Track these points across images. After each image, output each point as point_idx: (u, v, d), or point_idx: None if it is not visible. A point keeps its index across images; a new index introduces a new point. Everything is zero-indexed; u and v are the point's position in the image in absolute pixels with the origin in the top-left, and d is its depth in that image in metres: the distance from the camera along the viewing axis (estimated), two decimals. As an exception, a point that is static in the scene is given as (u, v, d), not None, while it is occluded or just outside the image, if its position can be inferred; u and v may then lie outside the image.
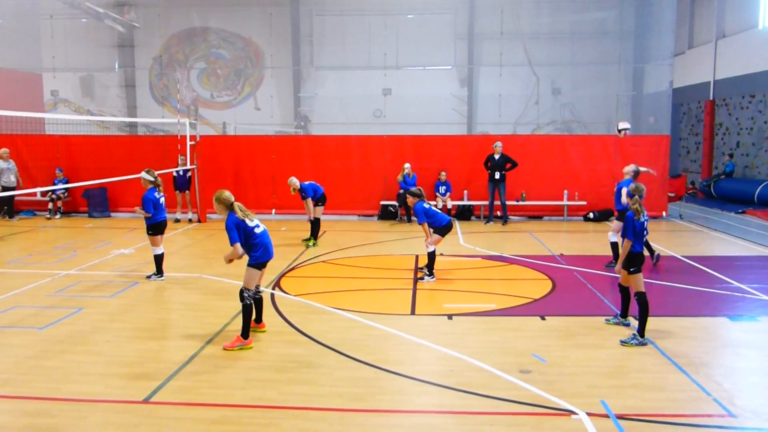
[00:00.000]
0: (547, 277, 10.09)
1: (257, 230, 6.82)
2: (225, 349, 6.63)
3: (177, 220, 16.01)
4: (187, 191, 16.30)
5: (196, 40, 27.25)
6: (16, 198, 16.69)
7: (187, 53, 27.46)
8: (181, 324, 7.78)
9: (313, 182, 13.16)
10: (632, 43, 24.24)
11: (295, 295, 8.92)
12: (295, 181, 12.79)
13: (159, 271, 9.88)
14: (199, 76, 27.64)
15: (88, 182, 14.99)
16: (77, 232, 14.95)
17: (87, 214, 17.37)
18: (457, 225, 15.73)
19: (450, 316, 7.92)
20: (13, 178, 16.10)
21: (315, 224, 13.01)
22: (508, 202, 16.03)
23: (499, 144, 15.77)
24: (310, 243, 12.92)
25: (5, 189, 15.59)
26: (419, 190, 10.08)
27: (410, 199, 10.03)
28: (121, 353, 6.66)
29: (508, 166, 15.72)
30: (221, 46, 27.29)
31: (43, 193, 17.00)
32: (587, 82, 23.95)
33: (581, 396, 5.52)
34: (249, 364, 6.29)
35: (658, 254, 10.89)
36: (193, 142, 16.14)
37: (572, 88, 24.16)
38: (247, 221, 6.74)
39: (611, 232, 10.59)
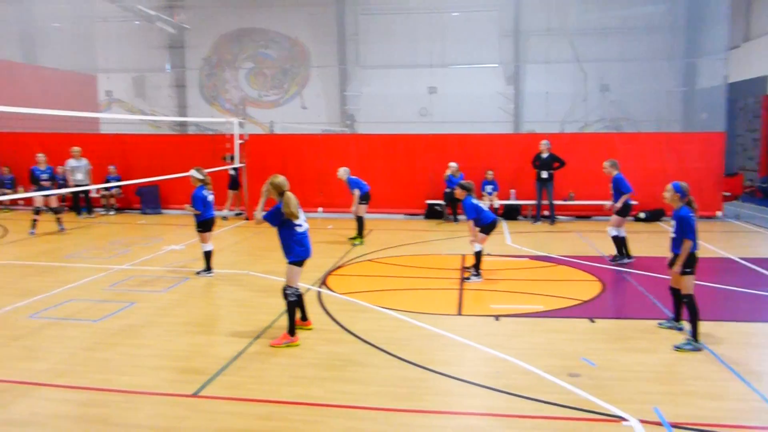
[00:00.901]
0: (596, 279, 9.89)
1: (299, 229, 6.80)
2: (272, 346, 6.69)
3: (225, 218, 16.25)
4: (236, 189, 16.56)
5: (245, 40, 27.62)
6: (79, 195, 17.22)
7: (235, 53, 27.87)
8: (229, 320, 7.89)
9: (359, 179, 13.18)
10: (684, 38, 23.55)
11: (341, 294, 8.95)
12: (342, 172, 12.87)
13: (208, 268, 10.04)
14: (247, 76, 28.02)
15: (140, 180, 15.35)
16: (130, 228, 15.32)
17: (140, 211, 17.80)
18: (504, 224, 15.57)
19: (497, 317, 7.83)
20: (80, 176, 16.47)
21: (360, 222, 13.04)
22: (555, 202, 15.78)
23: (546, 142, 15.54)
24: (356, 242, 12.96)
25: (76, 186, 16.03)
26: (470, 183, 9.85)
27: (459, 192, 9.79)
28: (171, 347, 6.79)
29: (556, 165, 15.47)
30: (268, 46, 27.62)
31: (98, 191, 17.48)
32: (637, 78, 23.36)
33: (633, 402, 5.38)
34: (295, 361, 6.34)
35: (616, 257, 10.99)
36: (241, 141, 16.37)
37: (621, 85, 23.61)
38: (293, 219, 6.73)
39: (610, 226, 11.01)
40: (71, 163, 16.43)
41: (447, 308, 8.28)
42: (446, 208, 16.50)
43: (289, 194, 6.73)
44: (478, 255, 9.76)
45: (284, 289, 6.83)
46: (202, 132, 25.26)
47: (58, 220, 14.48)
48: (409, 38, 25.01)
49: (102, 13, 26.45)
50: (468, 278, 9.71)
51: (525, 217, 16.64)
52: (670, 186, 6.92)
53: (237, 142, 16.18)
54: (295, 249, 6.79)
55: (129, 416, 5.11)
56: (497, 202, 16.28)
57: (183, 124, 26.87)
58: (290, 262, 6.83)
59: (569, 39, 23.69)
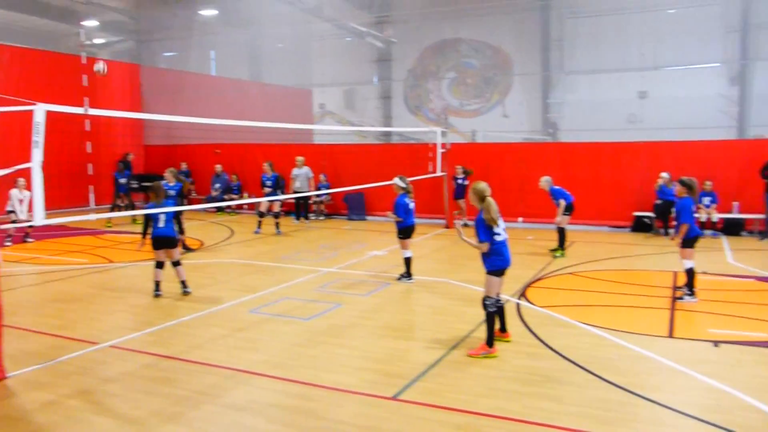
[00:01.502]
0: (840, 306, 8.60)
1: (497, 238, 6.72)
2: (469, 356, 6.69)
3: (466, 224, 16.37)
4: (462, 199, 16.68)
5: (448, 51, 28.13)
6: (287, 202, 18.69)
7: (438, 64, 28.48)
8: (427, 327, 8.03)
9: (562, 189, 12.77)
10: None
11: (541, 307, 8.72)
12: (544, 182, 12.55)
13: (408, 274, 10.33)
14: (450, 86, 28.49)
15: (347, 188, 16.26)
16: (337, 233, 16.28)
17: (346, 217, 18.85)
18: (725, 241, 14.17)
19: (716, 343, 7.10)
20: (298, 184, 17.75)
21: (561, 234, 12.62)
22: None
23: (779, 150, 13.87)
24: (557, 254, 12.55)
25: (296, 193, 17.43)
26: (692, 181, 8.85)
27: (679, 189, 8.86)
28: (373, 349, 7.07)
29: (791, 174, 13.74)
30: (471, 55, 27.85)
31: (310, 197, 18.80)
32: None
33: None
34: (493, 373, 6.27)
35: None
36: (443, 150, 16.66)
37: None
38: (491, 225, 6.67)
39: None
40: (294, 171, 17.84)
41: (656, 329, 7.69)
42: (656, 220, 15.38)
43: (490, 200, 6.72)
44: (690, 272, 8.89)
45: (483, 300, 6.80)
46: (406, 141, 26.13)
47: (277, 225, 15.78)
48: (618, 40, 23.80)
49: (318, 33, 28.49)
50: (681, 298, 8.92)
51: (751, 233, 14.97)
52: None
53: (439, 151, 16.49)
54: (493, 259, 6.74)
55: (334, 412, 5.40)
56: (716, 216, 14.85)
57: (388, 134, 28.01)
58: (488, 272, 6.79)
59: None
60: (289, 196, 17.65)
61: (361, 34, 28.19)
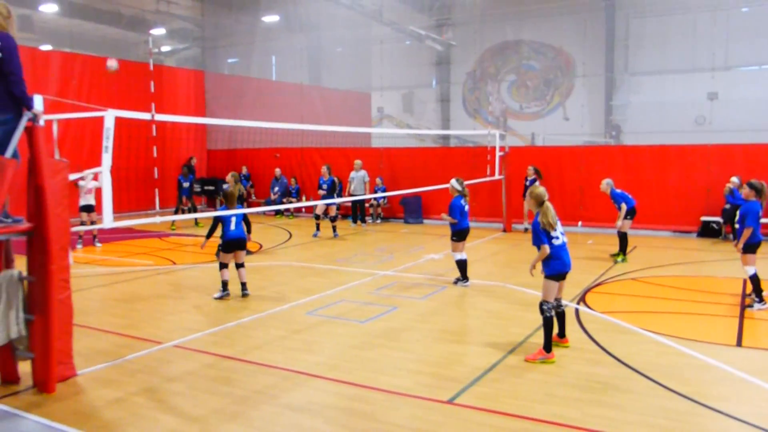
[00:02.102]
0: None
1: (555, 242, 6.64)
2: (527, 361, 6.60)
3: (526, 229, 16.32)
4: None
5: (508, 53, 27.88)
6: (344, 205, 18.87)
7: (498, 66, 28.25)
8: (483, 331, 7.96)
9: (624, 192, 12.47)
10: None
11: (601, 312, 8.52)
12: (605, 185, 12.28)
13: (464, 277, 10.27)
14: (509, 88, 28.22)
15: (404, 191, 16.28)
16: (394, 236, 16.33)
17: (403, 220, 18.88)
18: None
19: (787, 353, 6.81)
20: (353, 187, 17.96)
21: (623, 238, 12.31)
22: None
23: None
24: (619, 258, 12.25)
25: (351, 196, 17.64)
26: (762, 184, 8.46)
27: (747, 192, 8.52)
28: (429, 353, 7.06)
29: None
30: (532, 57, 27.52)
31: (367, 200, 18.92)
32: None
33: None
34: (551, 378, 6.17)
35: None
36: (502, 153, 16.50)
37: None
38: (549, 230, 6.63)
39: None
40: (351, 174, 18.02)
41: (723, 337, 7.42)
42: (725, 226, 14.82)
43: (548, 204, 6.69)
44: (755, 279, 8.54)
45: (540, 304, 6.71)
46: (464, 144, 26.01)
47: (334, 228, 15.95)
48: (686, 40, 23.11)
49: (378, 36, 28.68)
50: (751, 306, 8.56)
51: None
52: None
53: (498, 154, 16.34)
54: (551, 262, 6.65)
55: (390, 415, 5.41)
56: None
57: (445, 137, 27.94)
58: (546, 276, 6.70)
59: None
60: (345, 199, 17.82)
61: (420, 38, 28.23)
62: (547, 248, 6.61)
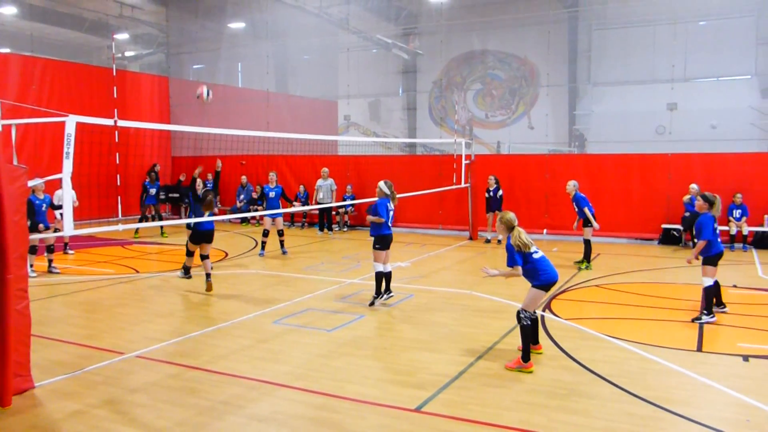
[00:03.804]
0: None
1: (535, 256, 6.71)
2: (506, 368, 6.60)
3: (488, 240, 16.36)
4: (498, 211, 16.37)
5: (474, 62, 28.14)
6: (311, 212, 18.78)
7: (464, 76, 28.49)
8: (450, 338, 7.98)
9: (587, 198, 12.60)
10: None
11: (566, 319, 8.62)
12: (571, 186, 12.44)
13: (378, 292, 9.45)
14: (475, 97, 28.47)
15: (371, 199, 16.23)
16: (361, 244, 16.29)
17: (369, 228, 18.83)
18: (755, 254, 13.90)
19: (746, 358, 6.96)
20: (321, 195, 17.90)
21: (587, 246, 12.48)
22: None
23: (812, 162, 13.63)
24: (583, 266, 12.42)
25: (318, 204, 17.56)
26: (714, 196, 8.52)
27: (700, 204, 8.55)
28: (396, 361, 7.05)
29: (824, 187, 13.47)
30: (497, 67, 27.82)
31: (334, 208, 18.84)
32: None
33: None
34: (518, 385, 6.21)
35: None
36: (468, 161, 16.62)
37: None
38: (525, 250, 6.67)
39: None
40: (318, 182, 17.94)
41: (684, 343, 7.56)
42: (685, 233, 15.15)
43: (519, 229, 6.79)
44: (707, 292, 8.44)
45: (519, 312, 6.72)
46: (430, 153, 26.13)
47: (281, 243, 14.70)
48: (647, 52, 23.59)
49: (345, 44, 28.69)
50: (699, 318, 8.40)
51: (782, 246, 14.69)
52: None
53: (464, 162, 16.45)
54: (541, 275, 6.70)
55: (358, 424, 5.38)
56: (746, 229, 14.58)
57: (412, 146, 28.04)
58: (535, 286, 6.72)
59: None
60: (312, 207, 17.74)
61: (387, 46, 28.33)
62: (519, 269, 6.69)
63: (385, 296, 9.52)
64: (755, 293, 10.21)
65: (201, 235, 10.49)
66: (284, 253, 14.46)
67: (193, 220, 10.58)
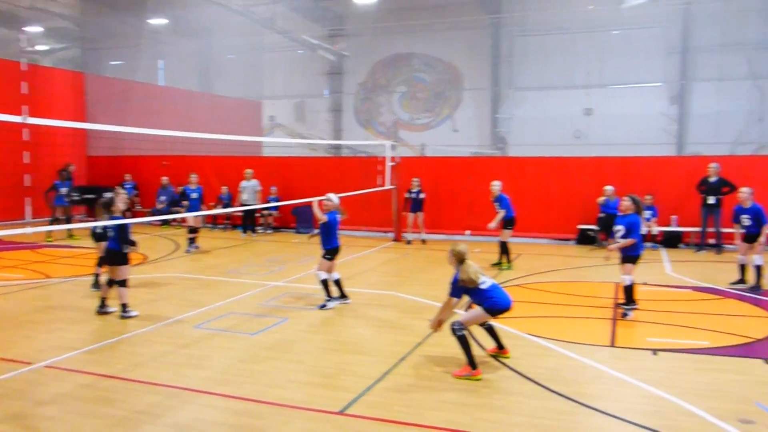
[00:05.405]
0: (772, 316, 8.95)
1: (484, 286, 6.62)
2: (454, 376, 6.49)
3: (408, 242, 16.46)
4: (419, 212, 16.44)
5: (400, 65, 28.39)
6: (234, 214, 18.45)
7: (389, 78, 28.69)
8: (375, 339, 8.01)
9: (509, 200, 12.89)
10: None
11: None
12: (496, 187, 12.70)
13: (329, 296, 9.50)
14: (400, 100, 28.72)
15: (296, 201, 16.12)
16: (285, 246, 16.13)
17: (294, 230, 18.70)
18: (664, 253, 14.61)
19: (655, 351, 7.31)
20: (245, 196, 17.62)
21: (503, 247, 12.76)
22: (723, 230, 14.51)
23: (715, 165, 14.45)
24: (505, 266, 12.71)
25: (243, 205, 17.25)
26: (639, 199, 8.96)
27: (628, 205, 8.83)
28: (320, 364, 7.01)
29: (725, 190, 14.31)
30: (422, 70, 28.16)
31: (258, 210, 18.56)
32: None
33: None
34: (441, 385, 6.29)
35: None
36: (393, 163, 16.72)
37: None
38: (470, 286, 6.60)
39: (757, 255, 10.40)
40: (242, 183, 17.64)
41: (599, 339, 7.86)
42: (600, 233, 15.76)
43: (469, 262, 6.70)
44: (628, 289, 8.89)
45: (452, 325, 6.59)
46: (356, 154, 26.18)
47: (190, 240, 14.87)
48: (565, 58, 24.44)
49: (270, 45, 28.36)
50: (625, 314, 8.82)
51: (687, 245, 15.50)
52: None
53: (389, 164, 16.55)
54: (492, 300, 6.60)
55: (281, 429, 5.31)
56: (656, 229, 15.30)
57: (338, 147, 28.02)
58: (484, 308, 6.63)
59: (745, 54, 21.89)
60: (236, 209, 17.45)
61: (313, 47, 28.20)
62: (454, 301, 6.70)
63: (339, 301, 9.58)
64: (664, 290, 10.72)
65: (104, 257, 9.01)
66: (188, 251, 14.67)
67: (97, 223, 9.03)
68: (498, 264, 12.79)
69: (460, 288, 6.66)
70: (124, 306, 8.81)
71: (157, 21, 27.68)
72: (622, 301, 9.12)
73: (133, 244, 8.88)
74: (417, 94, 28.32)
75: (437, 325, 6.86)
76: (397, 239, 16.76)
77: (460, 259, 6.73)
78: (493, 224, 12.64)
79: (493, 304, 6.60)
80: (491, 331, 7.06)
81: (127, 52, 27.58)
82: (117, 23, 26.53)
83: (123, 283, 8.81)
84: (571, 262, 13.72)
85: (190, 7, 25.85)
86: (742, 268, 10.88)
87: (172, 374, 6.57)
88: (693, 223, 15.21)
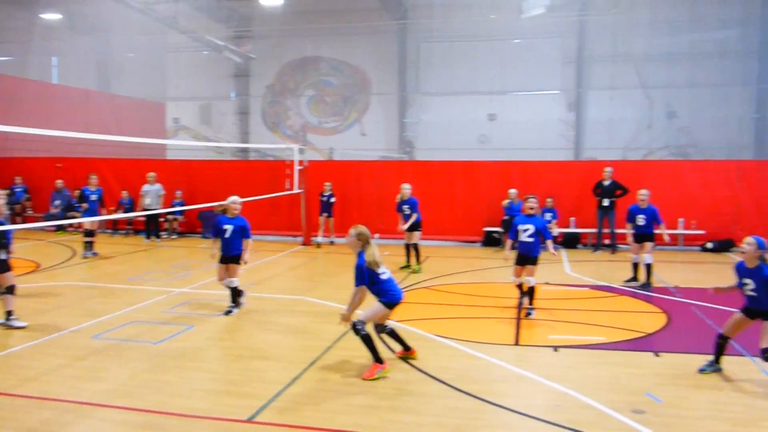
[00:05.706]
0: (660, 310, 9.53)
1: (383, 276, 6.71)
2: (365, 379, 6.47)
3: (318, 245, 16.34)
4: (329, 216, 16.52)
5: (308, 68, 28.21)
6: (137, 219, 17.76)
7: (297, 81, 28.46)
8: (284, 345, 7.91)
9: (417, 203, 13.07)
10: (757, 63, 22.74)
11: (396, 321, 8.84)
12: (407, 190, 12.83)
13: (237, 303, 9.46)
14: (308, 103, 28.54)
15: (202, 205, 15.71)
16: (191, 251, 15.68)
17: (201, 235, 18.20)
18: (564, 253, 15.24)
19: (555, 348, 7.62)
20: (148, 201, 16.99)
21: (413, 250, 12.93)
22: (617, 230, 15.34)
23: (609, 170, 15.23)
24: (415, 268, 12.87)
25: (145, 210, 16.59)
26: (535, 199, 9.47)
27: (530, 205, 9.32)
28: (227, 371, 6.85)
29: (619, 192, 15.12)
30: (330, 74, 28.11)
31: (162, 215, 17.94)
32: (706, 104, 22.57)
33: (702, 442, 5.11)
34: (351, 389, 6.28)
35: None
36: (301, 167, 16.60)
37: (689, 111, 22.92)
38: (375, 269, 6.66)
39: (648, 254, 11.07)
40: (145, 187, 17.01)
41: (504, 338, 8.10)
42: (504, 235, 16.26)
43: (373, 245, 6.76)
44: (532, 290, 9.24)
45: (355, 324, 6.60)
46: (264, 158, 25.79)
47: (85, 244, 14.40)
48: (469, 65, 25.01)
49: (174, 45, 27.48)
50: (529, 313, 9.13)
51: (585, 245, 16.26)
52: (752, 240, 6.42)
53: (297, 168, 16.41)
54: (389, 295, 6.71)
55: (184, 439, 5.15)
56: (556, 230, 15.96)
57: (245, 150, 27.53)
58: (381, 302, 6.71)
59: (635, 65, 23.22)
60: (139, 214, 16.80)
61: (219, 48, 27.55)
62: (364, 289, 6.66)
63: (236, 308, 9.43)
64: (563, 289, 11.20)
65: None
66: (85, 256, 14.24)
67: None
68: (407, 266, 12.95)
69: (366, 272, 6.62)
70: (9, 313, 8.29)
71: (51, 16, 26.27)
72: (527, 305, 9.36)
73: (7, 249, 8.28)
74: (325, 98, 28.23)
75: (348, 318, 6.82)
76: (305, 243, 16.64)
77: (366, 240, 6.75)
78: (405, 226, 12.79)
79: (391, 297, 6.74)
80: (394, 334, 7.11)
81: (16, 47, 26.01)
82: (4, 17, 24.98)
83: (10, 290, 8.31)
84: (477, 264, 14.07)
85: (86, 3, 24.69)
86: (635, 266, 11.51)
87: (67, 388, 6.23)
88: (590, 225, 15.97)
